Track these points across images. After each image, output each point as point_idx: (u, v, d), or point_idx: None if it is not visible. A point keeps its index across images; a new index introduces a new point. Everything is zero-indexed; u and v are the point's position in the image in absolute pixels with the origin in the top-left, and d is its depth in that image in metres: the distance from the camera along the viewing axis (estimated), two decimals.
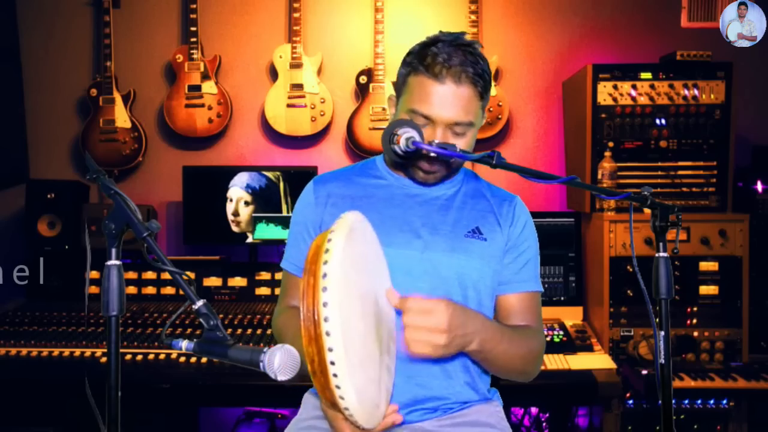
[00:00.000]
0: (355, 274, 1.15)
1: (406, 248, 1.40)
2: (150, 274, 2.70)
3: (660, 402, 1.27)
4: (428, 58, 1.36)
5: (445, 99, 1.35)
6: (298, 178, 2.78)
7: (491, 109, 2.90)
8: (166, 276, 2.66)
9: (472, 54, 1.37)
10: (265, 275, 2.72)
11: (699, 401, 2.33)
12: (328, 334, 1.04)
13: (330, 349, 1.04)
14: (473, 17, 2.90)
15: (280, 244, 2.77)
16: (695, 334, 2.40)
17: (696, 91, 2.54)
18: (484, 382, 1.48)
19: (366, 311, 1.17)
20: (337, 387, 1.06)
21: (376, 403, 1.18)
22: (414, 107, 1.38)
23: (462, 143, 1.38)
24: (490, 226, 1.47)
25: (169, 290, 2.70)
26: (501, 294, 1.48)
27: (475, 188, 1.55)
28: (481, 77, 1.37)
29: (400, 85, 1.45)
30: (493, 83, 2.87)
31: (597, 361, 2.27)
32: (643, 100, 2.55)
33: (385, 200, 1.48)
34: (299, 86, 2.93)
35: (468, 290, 1.43)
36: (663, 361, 1.26)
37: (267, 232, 2.78)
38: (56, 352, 2.20)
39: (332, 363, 1.05)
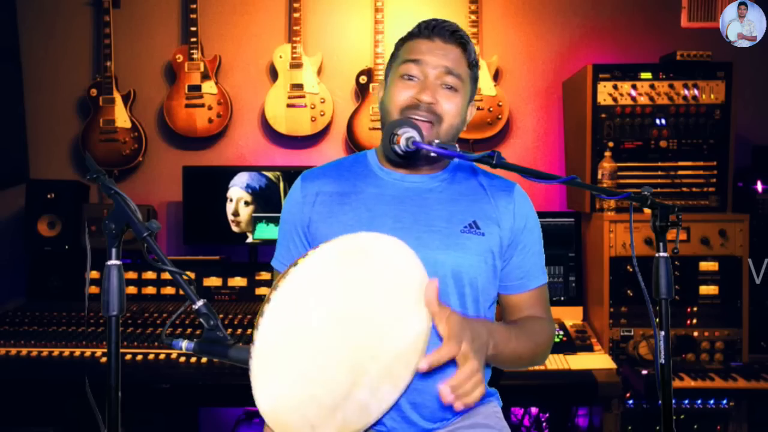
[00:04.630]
0: (341, 296, 1.12)
1: None
2: (150, 274, 2.70)
3: (660, 402, 1.27)
4: (416, 28, 1.45)
5: (435, 48, 1.40)
6: None
7: (491, 109, 2.90)
8: (166, 276, 2.66)
9: (457, 26, 1.44)
10: (265, 275, 2.71)
11: (699, 401, 2.33)
12: (255, 327, 1.05)
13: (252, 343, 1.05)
14: (473, 17, 2.90)
15: None
16: (695, 334, 2.40)
17: (696, 91, 2.54)
18: (485, 376, 1.47)
19: (346, 335, 1.12)
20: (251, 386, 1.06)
21: (312, 425, 1.13)
22: (405, 57, 1.42)
23: (452, 104, 1.39)
24: (488, 219, 1.42)
25: (169, 290, 2.70)
26: (509, 294, 1.47)
27: (472, 178, 1.49)
28: (468, 44, 1.42)
29: (390, 64, 1.48)
30: (492, 83, 2.92)
31: (597, 361, 2.27)
32: (643, 100, 2.54)
33: (375, 196, 1.43)
34: (299, 86, 2.93)
35: (464, 288, 1.39)
36: (663, 361, 1.26)
37: (267, 232, 2.78)
38: (56, 352, 2.20)
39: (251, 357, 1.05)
